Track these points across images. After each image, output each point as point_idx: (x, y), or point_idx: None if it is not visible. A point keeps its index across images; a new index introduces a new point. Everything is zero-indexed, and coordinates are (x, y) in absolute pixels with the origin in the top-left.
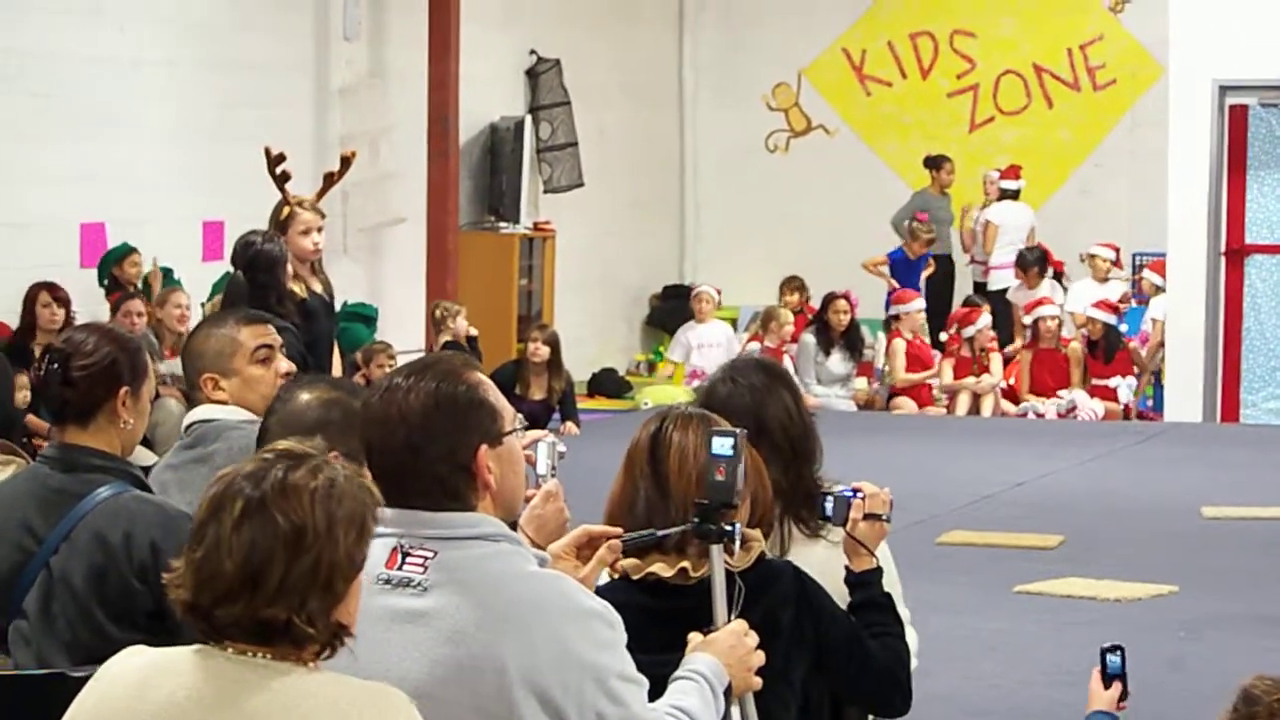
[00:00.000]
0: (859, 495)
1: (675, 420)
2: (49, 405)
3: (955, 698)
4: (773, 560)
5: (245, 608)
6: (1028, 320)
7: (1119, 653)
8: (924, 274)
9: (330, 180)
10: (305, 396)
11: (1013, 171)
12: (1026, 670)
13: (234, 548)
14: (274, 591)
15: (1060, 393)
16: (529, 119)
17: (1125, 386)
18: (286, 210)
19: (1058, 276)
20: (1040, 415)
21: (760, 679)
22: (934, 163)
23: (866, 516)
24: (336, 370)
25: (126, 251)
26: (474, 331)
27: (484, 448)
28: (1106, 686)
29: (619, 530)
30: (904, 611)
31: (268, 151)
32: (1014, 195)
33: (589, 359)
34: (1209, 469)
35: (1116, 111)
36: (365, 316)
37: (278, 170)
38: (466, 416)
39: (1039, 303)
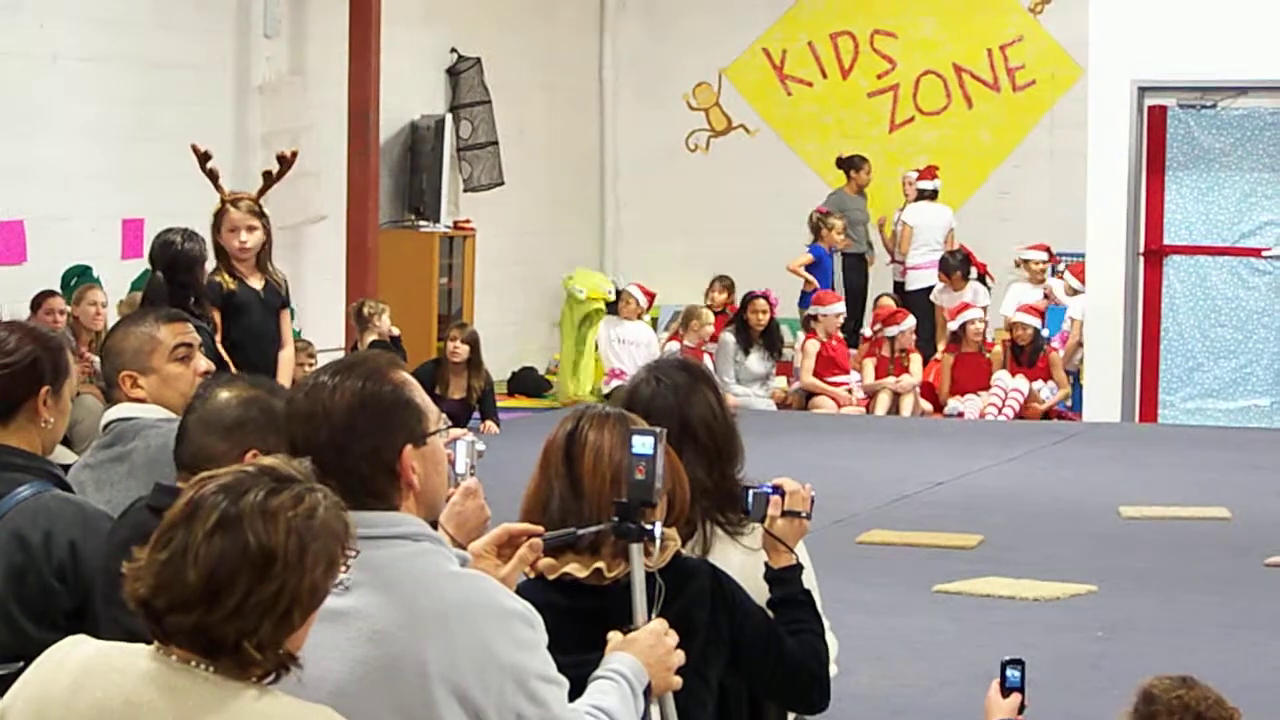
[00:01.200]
0: (778, 492)
1: (591, 419)
2: None
3: (875, 697)
4: (688, 559)
5: (198, 620)
6: (954, 324)
7: (1019, 666)
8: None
9: (269, 179)
10: (224, 395)
11: (929, 172)
12: (946, 669)
13: (200, 558)
14: (230, 611)
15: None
16: (449, 117)
17: (1047, 389)
18: (218, 207)
19: (981, 279)
20: (961, 415)
21: (680, 678)
22: (849, 163)
23: (785, 513)
24: (288, 363)
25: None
26: (397, 331)
27: (409, 448)
28: (1005, 698)
29: (540, 529)
30: (824, 620)
31: (195, 149)
32: (931, 195)
33: (509, 358)
34: (1127, 469)
35: (1036, 112)
36: None
37: (207, 167)
38: (391, 416)
39: (965, 306)
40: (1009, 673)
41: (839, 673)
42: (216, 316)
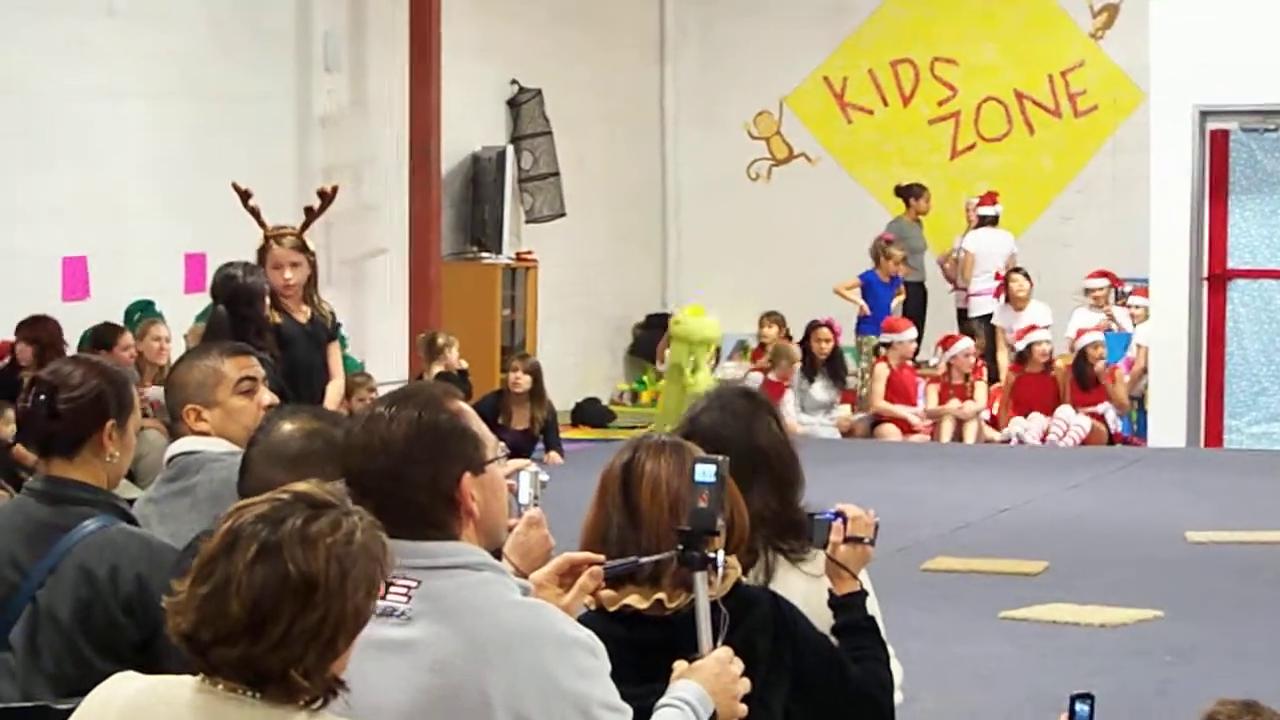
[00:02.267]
0: (841, 518)
1: (648, 449)
2: (35, 437)
3: None
4: (749, 587)
5: (244, 652)
6: (1021, 345)
7: (1088, 701)
8: (894, 301)
9: (311, 215)
10: (288, 427)
11: (990, 198)
12: (1012, 696)
13: (243, 589)
14: (276, 642)
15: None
16: (510, 149)
17: (1113, 411)
18: (261, 244)
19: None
20: (1022, 441)
21: (745, 706)
22: (908, 191)
23: (848, 539)
24: (336, 394)
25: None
26: (464, 365)
27: (466, 475)
28: None
29: (601, 557)
30: (889, 647)
31: (235, 187)
32: (993, 221)
33: (572, 388)
34: (1193, 494)
35: (1098, 138)
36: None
37: (248, 204)
38: (448, 445)
39: (1031, 328)
40: (1078, 707)
41: (904, 700)
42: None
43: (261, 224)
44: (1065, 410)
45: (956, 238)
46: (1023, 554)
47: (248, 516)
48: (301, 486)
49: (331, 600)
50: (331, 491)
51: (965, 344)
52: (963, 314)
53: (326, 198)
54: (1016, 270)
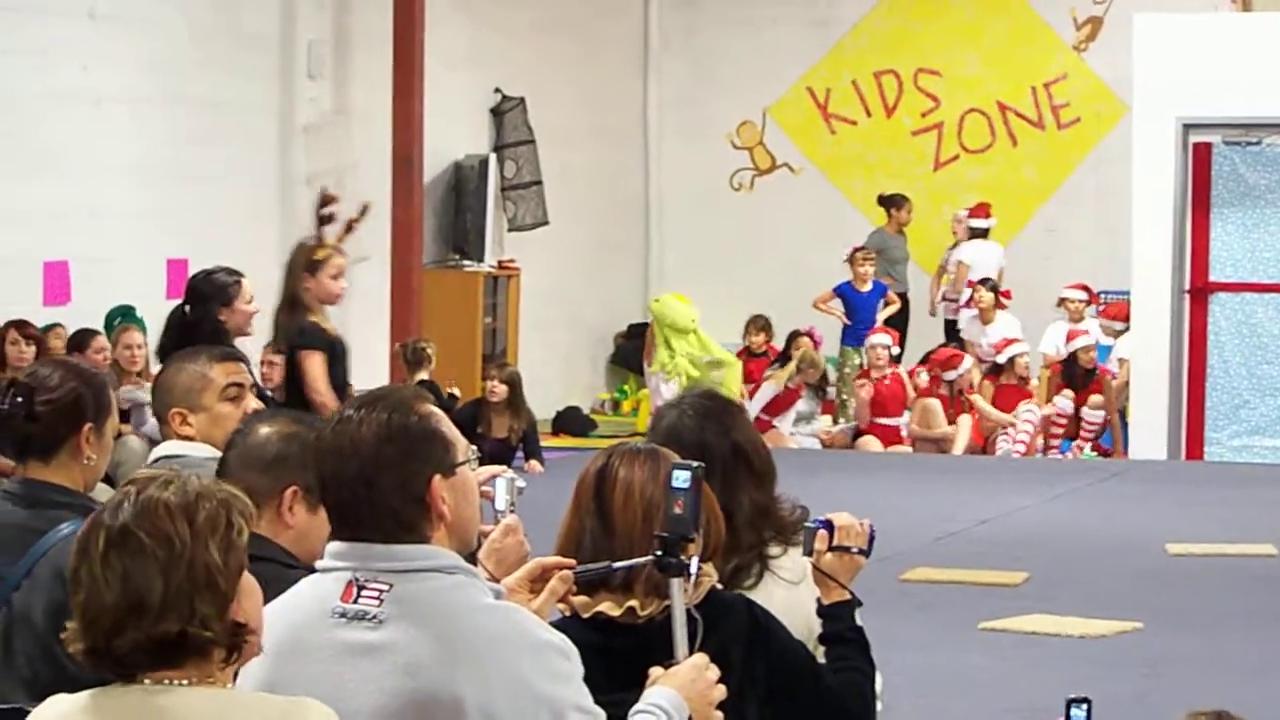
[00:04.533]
0: (827, 527)
1: (622, 456)
2: (12, 440)
3: None
4: (723, 594)
5: (137, 632)
6: (1001, 358)
7: (1085, 706)
8: (883, 311)
9: (351, 226)
10: (265, 430)
11: (982, 210)
12: (991, 707)
13: (109, 579)
14: (160, 608)
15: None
16: (493, 157)
17: (1094, 412)
18: (322, 252)
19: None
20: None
21: (720, 714)
22: (889, 201)
23: (834, 548)
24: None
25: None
26: (458, 392)
27: (437, 478)
28: None
29: (572, 561)
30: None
31: (324, 192)
32: (984, 234)
33: (553, 397)
34: (1174, 506)
35: (1081, 150)
36: None
37: (323, 211)
38: (419, 447)
39: (1010, 341)
40: (1074, 712)
41: (882, 709)
42: (277, 359)
43: (320, 230)
44: (1030, 407)
45: (946, 250)
46: (1003, 565)
47: (89, 520)
48: (140, 475)
49: (192, 550)
50: (166, 473)
51: (967, 364)
52: (951, 325)
53: (364, 211)
54: (983, 282)
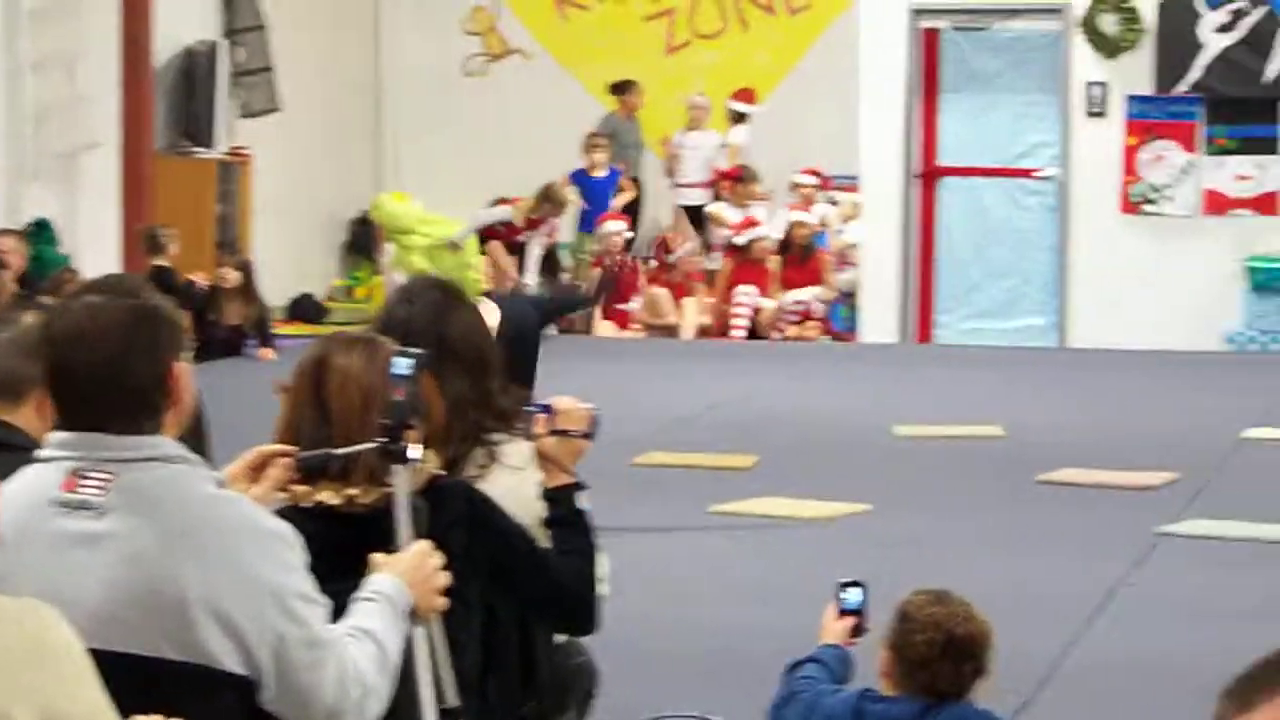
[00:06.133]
0: (547, 410)
1: (339, 344)
2: None
3: (651, 616)
4: (444, 480)
5: None
6: (741, 240)
7: (858, 588)
8: (619, 199)
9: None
10: (30, 318)
11: (747, 95)
12: (723, 589)
13: None
14: None
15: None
16: (224, 43)
17: (816, 299)
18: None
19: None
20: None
21: (444, 599)
22: (620, 87)
23: (555, 432)
24: None
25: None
26: (198, 280)
27: (178, 363)
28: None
29: (293, 449)
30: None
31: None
32: (742, 118)
33: (287, 285)
34: (903, 389)
35: (812, 35)
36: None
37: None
38: (164, 331)
39: (751, 222)
40: (843, 595)
41: (611, 593)
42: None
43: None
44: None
45: (677, 134)
46: (734, 448)
47: None
48: None
49: None
50: None
51: (688, 246)
52: (693, 210)
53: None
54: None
